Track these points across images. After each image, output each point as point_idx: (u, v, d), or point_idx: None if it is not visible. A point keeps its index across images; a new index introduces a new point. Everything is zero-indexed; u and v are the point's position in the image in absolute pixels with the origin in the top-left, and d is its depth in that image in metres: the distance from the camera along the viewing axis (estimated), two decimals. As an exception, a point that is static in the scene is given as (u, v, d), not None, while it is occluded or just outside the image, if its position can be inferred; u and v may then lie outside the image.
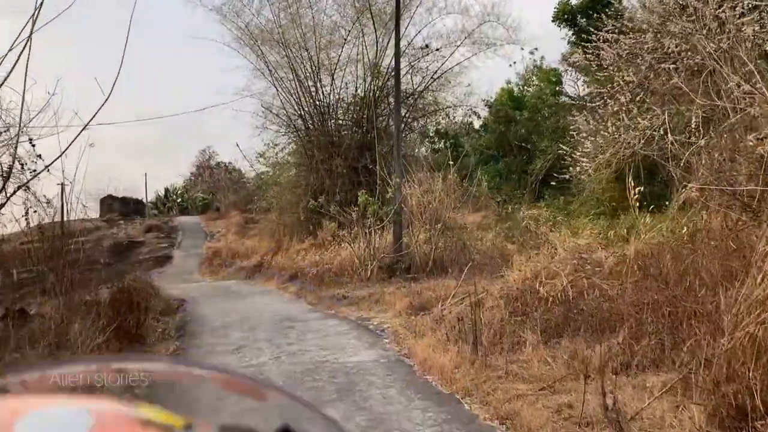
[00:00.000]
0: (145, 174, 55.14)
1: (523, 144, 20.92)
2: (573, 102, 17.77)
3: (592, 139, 9.68)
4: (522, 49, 21.54)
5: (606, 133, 9.00)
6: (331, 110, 19.97)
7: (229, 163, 63.59)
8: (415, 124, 21.62)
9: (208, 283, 16.51)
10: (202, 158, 64.41)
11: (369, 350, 6.35)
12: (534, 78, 21.93)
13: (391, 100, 20.54)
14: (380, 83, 19.91)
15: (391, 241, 11.53)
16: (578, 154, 9.82)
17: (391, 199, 11.90)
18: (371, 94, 19.24)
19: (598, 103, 9.75)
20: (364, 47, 19.47)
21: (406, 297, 8.61)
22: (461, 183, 12.56)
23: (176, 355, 6.42)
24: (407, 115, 20.90)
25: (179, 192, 65.04)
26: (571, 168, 10.27)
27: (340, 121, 21.14)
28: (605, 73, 9.48)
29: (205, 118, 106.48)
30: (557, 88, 20.85)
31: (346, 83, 19.85)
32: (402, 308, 8.05)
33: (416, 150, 21.66)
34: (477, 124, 23.03)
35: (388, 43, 18.60)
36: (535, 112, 20.18)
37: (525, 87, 22.39)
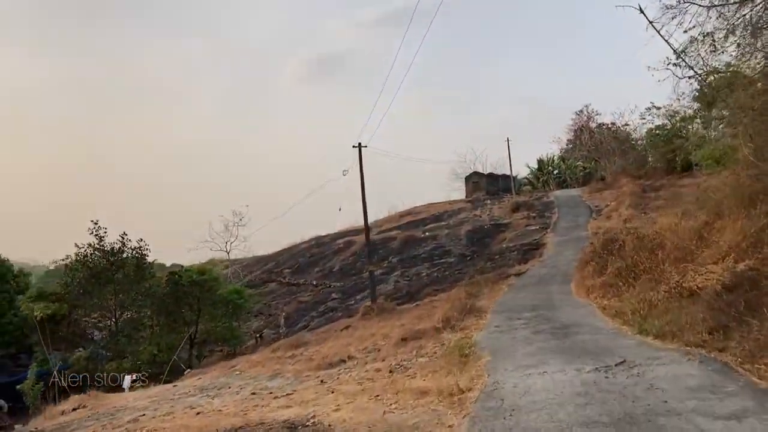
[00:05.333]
0: (507, 139, 49.04)
1: None
2: None
3: None
4: None
5: None
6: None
7: (612, 123, 51.91)
8: None
9: (601, 366, 7.03)
10: (580, 119, 54.60)
11: None
12: None
13: None
14: None
15: None
16: None
17: None
18: None
19: None
20: None
21: None
22: None
23: None
24: None
25: (555, 162, 56.90)
26: None
27: None
28: None
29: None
30: None
31: None
32: None
33: None
34: None
35: None
36: None
37: None
